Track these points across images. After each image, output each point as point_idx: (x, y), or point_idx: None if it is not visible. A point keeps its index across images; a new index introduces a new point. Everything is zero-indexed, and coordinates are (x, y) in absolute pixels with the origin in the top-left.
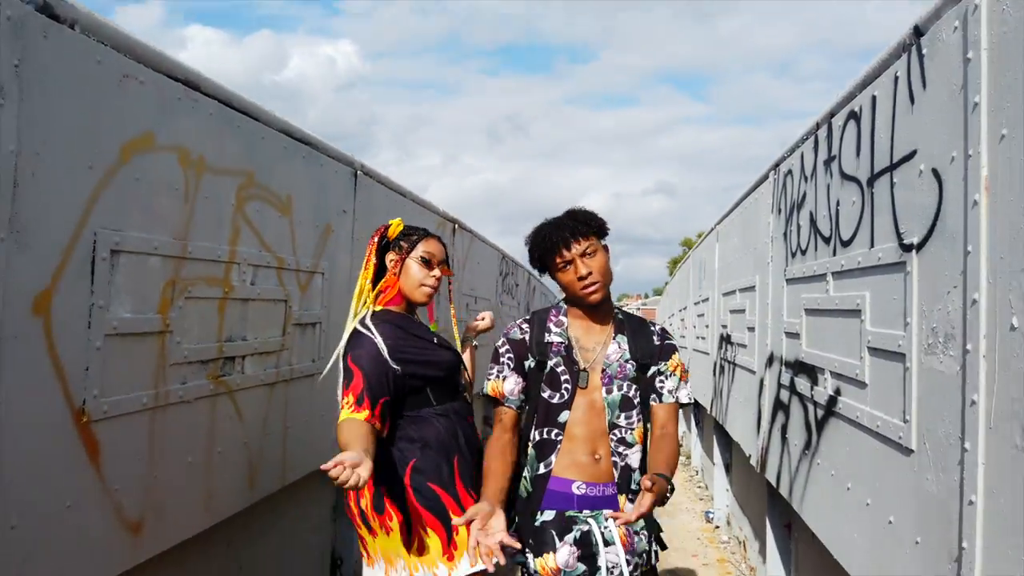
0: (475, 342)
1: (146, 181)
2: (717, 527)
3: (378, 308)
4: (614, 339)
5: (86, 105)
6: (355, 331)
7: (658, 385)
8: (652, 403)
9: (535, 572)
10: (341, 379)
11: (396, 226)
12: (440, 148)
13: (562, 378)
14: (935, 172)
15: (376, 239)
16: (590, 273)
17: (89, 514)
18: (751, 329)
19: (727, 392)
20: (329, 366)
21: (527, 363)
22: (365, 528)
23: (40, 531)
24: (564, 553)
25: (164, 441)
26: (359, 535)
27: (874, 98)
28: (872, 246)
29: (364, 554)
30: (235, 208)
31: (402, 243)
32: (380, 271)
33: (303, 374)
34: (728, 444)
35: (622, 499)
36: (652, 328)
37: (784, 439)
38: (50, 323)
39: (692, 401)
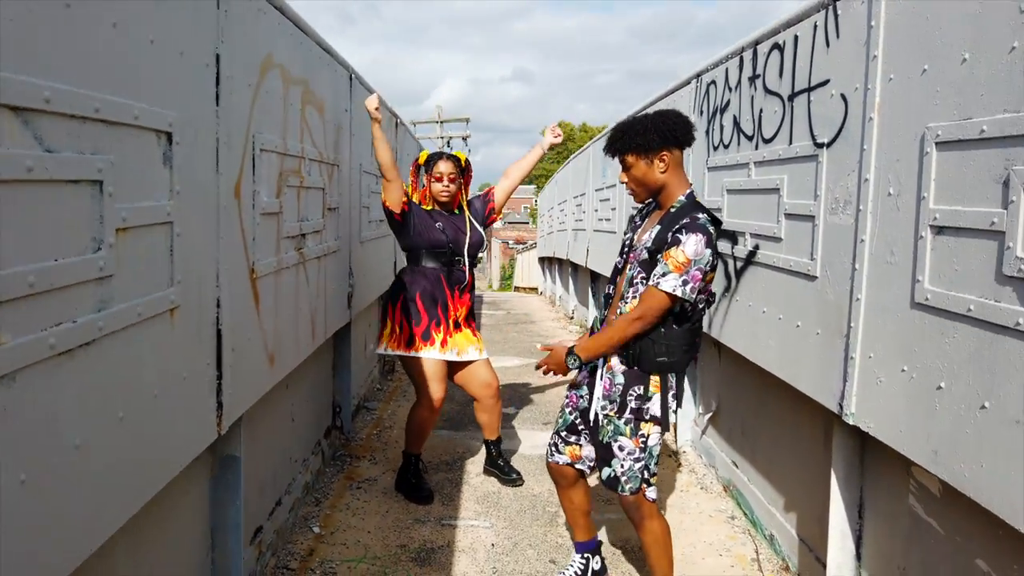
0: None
1: (270, 93)
2: None
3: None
4: (653, 227)
5: (250, 33)
6: None
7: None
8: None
9: None
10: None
11: (423, 156)
12: None
13: (621, 250)
14: (843, 96)
15: (413, 166)
16: (627, 183)
17: (255, 348)
18: None
19: None
20: None
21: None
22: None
23: (240, 359)
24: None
25: (279, 297)
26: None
27: (796, 36)
28: (791, 143)
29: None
30: (300, 112)
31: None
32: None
33: (331, 251)
34: None
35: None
36: (683, 223)
37: None
38: (240, 204)
39: (677, 293)
